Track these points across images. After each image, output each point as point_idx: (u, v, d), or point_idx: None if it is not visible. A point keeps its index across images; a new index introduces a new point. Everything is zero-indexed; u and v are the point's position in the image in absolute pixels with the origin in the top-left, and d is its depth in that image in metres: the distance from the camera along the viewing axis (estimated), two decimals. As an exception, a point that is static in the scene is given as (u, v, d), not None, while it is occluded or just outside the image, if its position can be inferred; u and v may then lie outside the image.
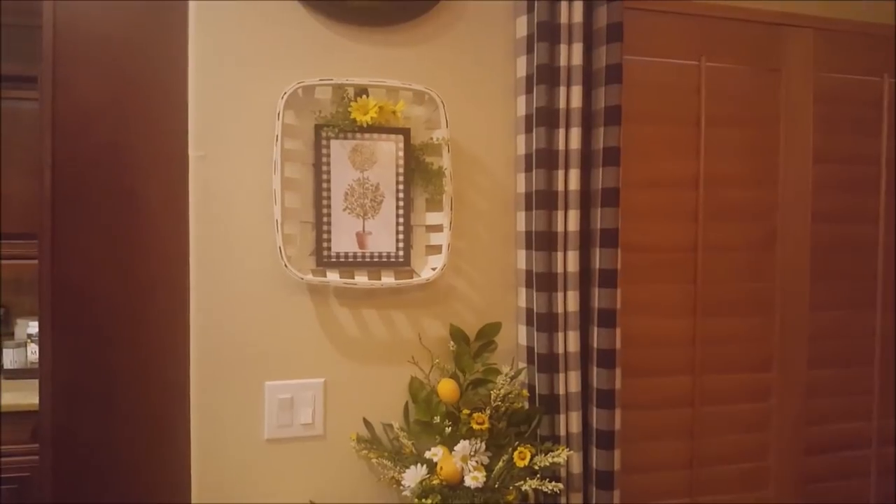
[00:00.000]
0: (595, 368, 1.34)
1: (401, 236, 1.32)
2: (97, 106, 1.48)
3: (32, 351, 2.83)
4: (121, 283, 1.49)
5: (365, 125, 1.25)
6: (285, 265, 1.22)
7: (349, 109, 1.26)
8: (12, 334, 2.96)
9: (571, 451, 1.32)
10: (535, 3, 1.30)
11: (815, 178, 1.64)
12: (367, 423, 1.33)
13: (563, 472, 1.33)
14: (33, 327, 2.85)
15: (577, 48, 1.30)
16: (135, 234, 1.50)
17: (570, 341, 1.33)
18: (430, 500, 1.20)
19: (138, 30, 1.50)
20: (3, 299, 3.06)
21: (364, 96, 1.26)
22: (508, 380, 1.30)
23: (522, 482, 1.23)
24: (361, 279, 1.30)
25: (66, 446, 1.48)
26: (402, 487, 1.24)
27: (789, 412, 1.65)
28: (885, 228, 1.71)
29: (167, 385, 1.42)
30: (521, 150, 1.37)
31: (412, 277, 1.32)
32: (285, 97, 1.23)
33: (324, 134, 1.28)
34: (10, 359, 2.84)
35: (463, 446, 1.23)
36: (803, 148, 1.63)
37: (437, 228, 1.33)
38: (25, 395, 2.56)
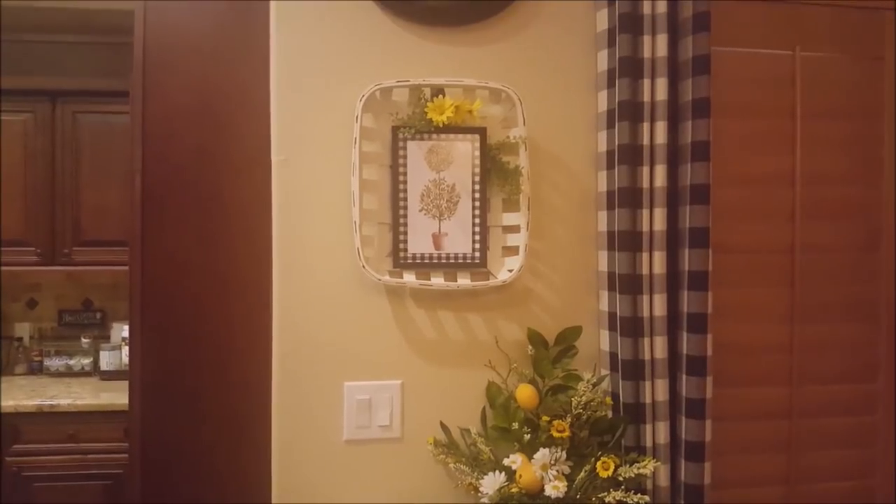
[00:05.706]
0: (684, 377, 1.28)
1: (477, 237, 1.30)
2: (184, 113, 1.54)
3: (126, 353, 2.98)
4: (205, 284, 1.54)
5: (441, 125, 1.25)
6: (363, 266, 1.23)
7: (425, 110, 1.25)
8: (108, 338, 3.13)
9: (658, 463, 1.27)
10: (616, -5, 1.26)
11: (923, 174, 1.53)
12: (444, 426, 1.32)
13: (649, 485, 1.29)
14: (127, 331, 3.00)
15: (662, 39, 1.25)
16: (220, 236, 1.54)
17: (657, 347, 1.27)
18: (509, 509, 1.17)
19: (222, 39, 1.55)
20: (100, 304, 3.26)
21: (440, 96, 1.26)
22: (590, 387, 1.26)
23: (606, 493, 1.19)
24: (437, 281, 1.29)
25: (153, 445, 1.54)
26: (480, 494, 1.22)
27: (898, 427, 1.55)
28: None
29: (248, 385, 1.45)
30: (603, 147, 1.33)
31: (488, 279, 1.30)
32: (363, 100, 1.24)
33: (401, 135, 1.27)
34: (107, 361, 3.02)
35: (543, 454, 1.20)
36: (910, 141, 1.53)
37: (514, 229, 1.30)
38: (120, 396, 2.71)
